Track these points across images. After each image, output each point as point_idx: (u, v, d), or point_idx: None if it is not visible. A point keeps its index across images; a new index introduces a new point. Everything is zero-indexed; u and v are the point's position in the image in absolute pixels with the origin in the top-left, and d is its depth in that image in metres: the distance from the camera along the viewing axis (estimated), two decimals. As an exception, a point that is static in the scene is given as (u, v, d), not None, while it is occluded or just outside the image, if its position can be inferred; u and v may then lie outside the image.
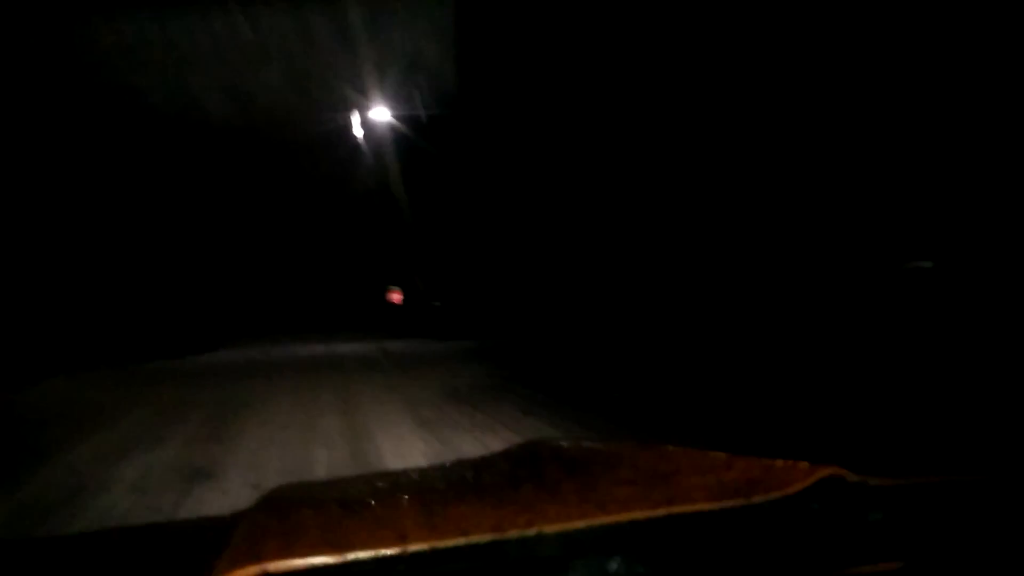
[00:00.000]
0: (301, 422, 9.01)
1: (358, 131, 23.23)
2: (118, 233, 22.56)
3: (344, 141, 24.51)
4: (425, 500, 1.05)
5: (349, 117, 22.73)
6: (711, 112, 13.56)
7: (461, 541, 0.83)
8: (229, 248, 32.15)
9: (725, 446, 1.24)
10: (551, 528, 0.86)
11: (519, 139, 22.02)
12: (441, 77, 22.77)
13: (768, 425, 7.01)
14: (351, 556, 0.80)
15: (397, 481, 1.25)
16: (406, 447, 7.03)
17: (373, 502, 1.05)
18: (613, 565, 0.87)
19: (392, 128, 22.49)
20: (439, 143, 22.81)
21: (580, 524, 0.87)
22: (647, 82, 15.14)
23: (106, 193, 21.87)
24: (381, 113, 22.42)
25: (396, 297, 34.72)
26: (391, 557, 0.80)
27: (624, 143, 16.60)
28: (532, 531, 0.85)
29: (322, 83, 22.48)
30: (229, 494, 5.39)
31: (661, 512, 0.90)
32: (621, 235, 17.84)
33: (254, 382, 13.61)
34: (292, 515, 1.02)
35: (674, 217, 15.26)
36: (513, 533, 0.85)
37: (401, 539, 0.83)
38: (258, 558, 0.80)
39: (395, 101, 22.42)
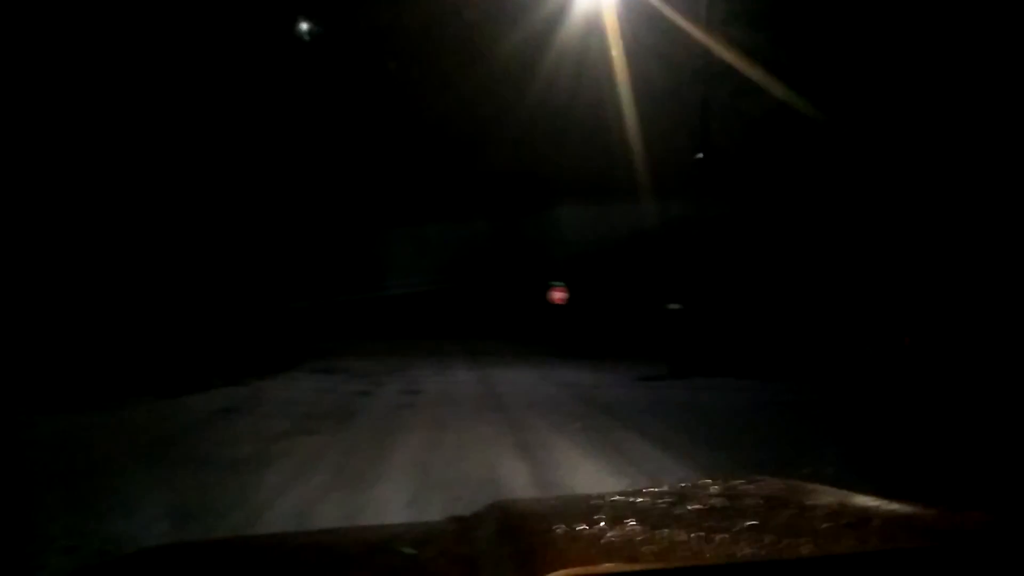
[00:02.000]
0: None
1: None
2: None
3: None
4: (644, 524, 1.16)
5: None
6: None
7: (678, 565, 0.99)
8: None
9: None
10: (747, 559, 1.00)
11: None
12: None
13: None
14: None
15: (612, 504, 1.33)
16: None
17: (602, 524, 1.15)
18: None
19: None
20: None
21: (777, 557, 1.00)
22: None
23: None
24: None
25: (559, 295, 23.95)
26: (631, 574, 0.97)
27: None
28: (726, 562, 1.00)
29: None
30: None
31: (854, 550, 1.04)
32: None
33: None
34: (539, 531, 1.15)
35: None
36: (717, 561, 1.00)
37: (633, 560, 1.00)
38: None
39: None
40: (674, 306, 13.12)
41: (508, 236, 24.67)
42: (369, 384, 11.41)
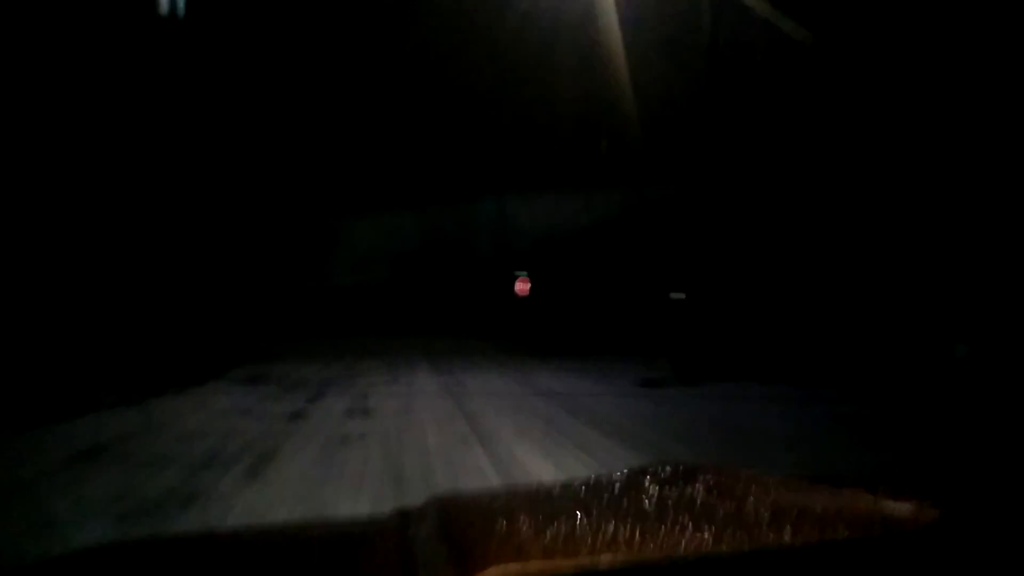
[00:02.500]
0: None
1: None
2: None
3: None
4: (587, 517, 1.10)
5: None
6: None
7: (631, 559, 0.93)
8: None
9: None
10: (695, 553, 0.95)
11: None
12: None
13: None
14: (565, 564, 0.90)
15: (556, 496, 1.30)
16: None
17: (544, 517, 1.09)
18: None
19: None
20: None
21: (725, 550, 0.96)
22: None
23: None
24: None
25: (523, 287, 21.73)
26: (589, 571, 0.89)
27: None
28: (680, 556, 0.95)
29: None
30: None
31: (798, 542, 0.99)
32: None
33: None
34: (486, 524, 1.08)
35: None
36: (669, 555, 0.95)
37: (573, 555, 0.93)
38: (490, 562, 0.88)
39: None
40: (677, 295, 10.94)
41: (471, 220, 22.27)
42: (305, 400, 8.93)
